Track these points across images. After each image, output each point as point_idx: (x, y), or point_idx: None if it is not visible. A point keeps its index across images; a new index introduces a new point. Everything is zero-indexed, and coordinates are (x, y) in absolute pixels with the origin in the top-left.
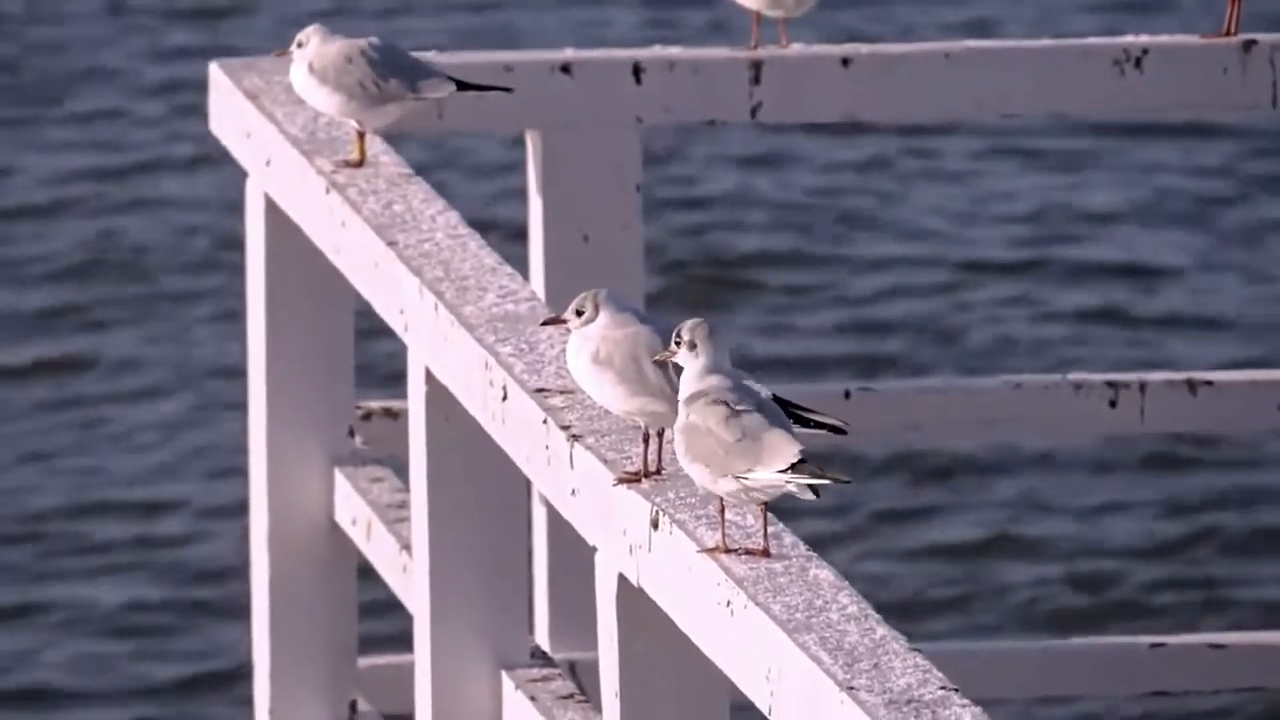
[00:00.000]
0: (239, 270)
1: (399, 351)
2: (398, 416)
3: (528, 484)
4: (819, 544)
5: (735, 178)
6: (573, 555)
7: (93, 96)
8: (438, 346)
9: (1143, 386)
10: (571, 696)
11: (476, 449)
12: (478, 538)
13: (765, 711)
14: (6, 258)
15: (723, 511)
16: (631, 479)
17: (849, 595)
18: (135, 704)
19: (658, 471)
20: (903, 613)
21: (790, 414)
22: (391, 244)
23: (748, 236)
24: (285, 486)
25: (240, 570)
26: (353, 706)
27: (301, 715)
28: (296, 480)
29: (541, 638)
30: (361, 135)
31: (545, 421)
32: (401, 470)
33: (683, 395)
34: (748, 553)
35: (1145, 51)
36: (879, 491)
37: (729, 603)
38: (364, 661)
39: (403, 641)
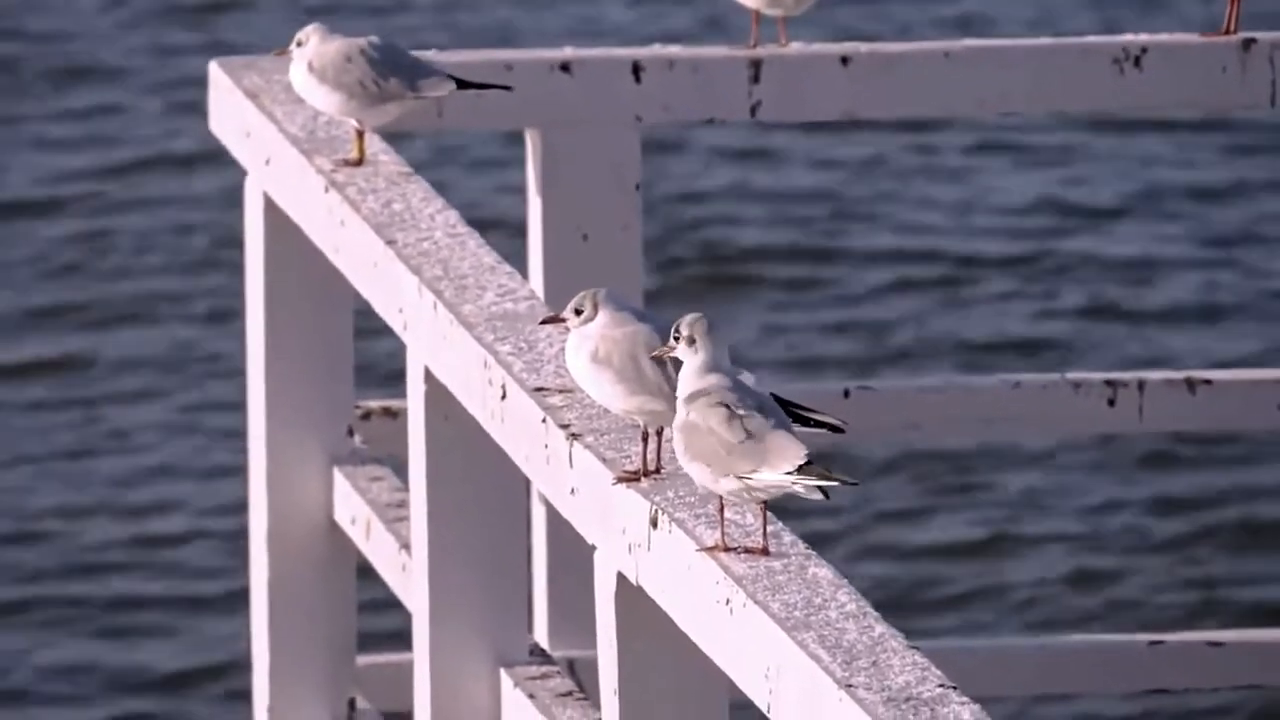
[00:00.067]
0: (238, 269)
1: (398, 351)
2: (397, 416)
3: (527, 483)
4: (818, 542)
5: (732, 173)
6: (572, 554)
7: (91, 93)
8: (437, 345)
9: (1141, 385)
10: (570, 694)
11: (476, 448)
12: (477, 537)
13: (764, 709)
14: (3, 256)
15: (722, 510)
16: (630, 478)
17: (848, 593)
18: (134, 703)
19: (657, 470)
20: (901, 611)
21: (789, 413)
22: (390, 243)
23: (746, 232)
24: (285, 486)
25: (238, 569)
26: (351, 704)
27: (300, 713)
28: (296, 479)
29: (540, 636)
30: (361, 134)
31: (544, 420)
32: (401, 469)
33: (681, 391)
34: (747, 551)
35: (1145, 50)
36: (878, 490)
37: (728, 601)
38: (363, 660)
39: (402, 640)
